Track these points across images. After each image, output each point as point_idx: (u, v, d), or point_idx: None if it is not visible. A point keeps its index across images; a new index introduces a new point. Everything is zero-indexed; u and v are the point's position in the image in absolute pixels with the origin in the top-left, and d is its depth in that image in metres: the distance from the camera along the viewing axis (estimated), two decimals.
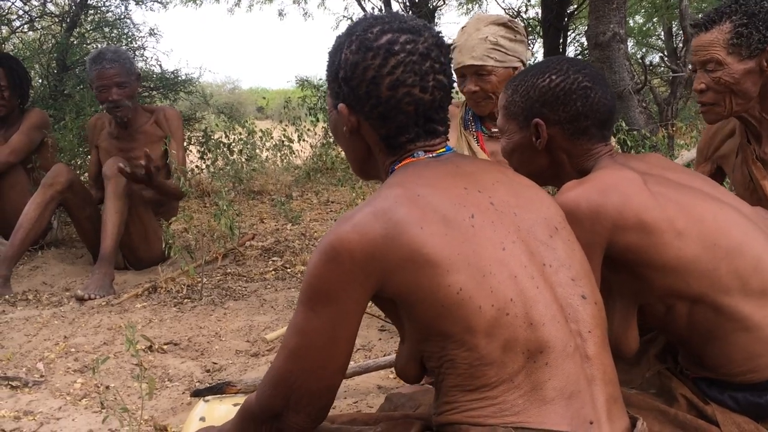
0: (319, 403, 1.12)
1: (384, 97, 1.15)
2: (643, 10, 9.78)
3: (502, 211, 1.11)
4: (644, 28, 10.58)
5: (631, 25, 9.96)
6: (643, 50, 11.38)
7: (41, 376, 2.25)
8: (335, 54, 1.20)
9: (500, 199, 1.13)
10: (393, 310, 1.12)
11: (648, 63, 8.23)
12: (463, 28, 2.31)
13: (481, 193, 1.12)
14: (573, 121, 1.45)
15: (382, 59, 1.14)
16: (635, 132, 4.39)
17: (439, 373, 1.08)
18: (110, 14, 6.85)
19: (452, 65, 2.25)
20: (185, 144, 6.35)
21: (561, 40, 7.96)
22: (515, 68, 2.25)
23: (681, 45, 7.96)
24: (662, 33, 10.54)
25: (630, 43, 9.43)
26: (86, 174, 5.35)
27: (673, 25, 9.40)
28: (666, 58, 8.90)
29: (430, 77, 1.16)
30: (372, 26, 1.17)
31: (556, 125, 1.46)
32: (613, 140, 1.54)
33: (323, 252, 1.05)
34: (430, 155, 1.19)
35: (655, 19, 9.95)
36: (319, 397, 1.11)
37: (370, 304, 1.11)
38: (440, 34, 1.21)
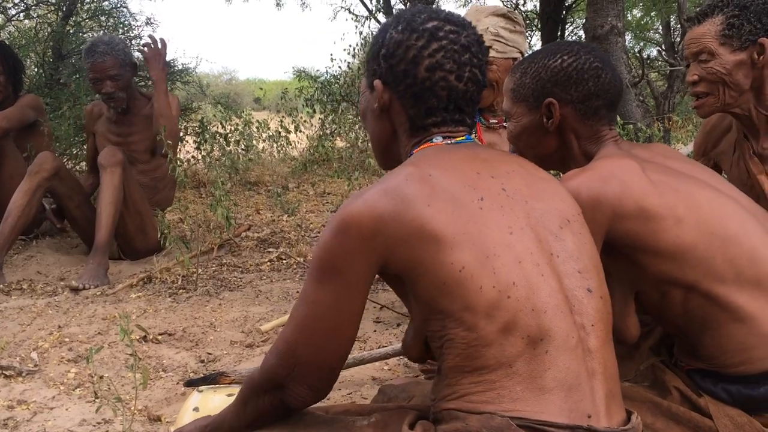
0: (321, 376, 1.14)
1: (420, 77, 1.19)
2: (641, 4, 9.77)
3: (512, 197, 1.13)
4: (642, 22, 10.58)
5: (629, 18, 9.95)
6: (641, 44, 11.38)
7: (35, 365, 2.25)
8: (380, 34, 1.25)
9: (513, 186, 1.14)
10: (402, 287, 1.14)
11: (645, 57, 8.22)
12: None
13: (494, 178, 1.14)
14: (585, 101, 1.45)
15: (426, 41, 1.19)
16: (630, 125, 4.39)
17: (441, 354, 1.09)
18: (106, 3, 6.84)
19: None
20: (181, 134, 6.36)
21: (559, 33, 7.96)
22: (515, 59, 2.28)
23: (679, 39, 7.97)
24: (660, 27, 10.54)
25: (628, 36, 9.43)
26: (76, 163, 5.36)
27: (671, 19, 9.39)
28: (663, 52, 8.89)
29: (467, 68, 1.20)
30: (421, 12, 1.23)
31: (569, 105, 1.46)
32: None
33: (333, 225, 1.08)
34: (449, 141, 1.22)
35: (653, 13, 9.94)
36: (320, 369, 1.13)
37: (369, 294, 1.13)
38: (481, 35, 1.25)
